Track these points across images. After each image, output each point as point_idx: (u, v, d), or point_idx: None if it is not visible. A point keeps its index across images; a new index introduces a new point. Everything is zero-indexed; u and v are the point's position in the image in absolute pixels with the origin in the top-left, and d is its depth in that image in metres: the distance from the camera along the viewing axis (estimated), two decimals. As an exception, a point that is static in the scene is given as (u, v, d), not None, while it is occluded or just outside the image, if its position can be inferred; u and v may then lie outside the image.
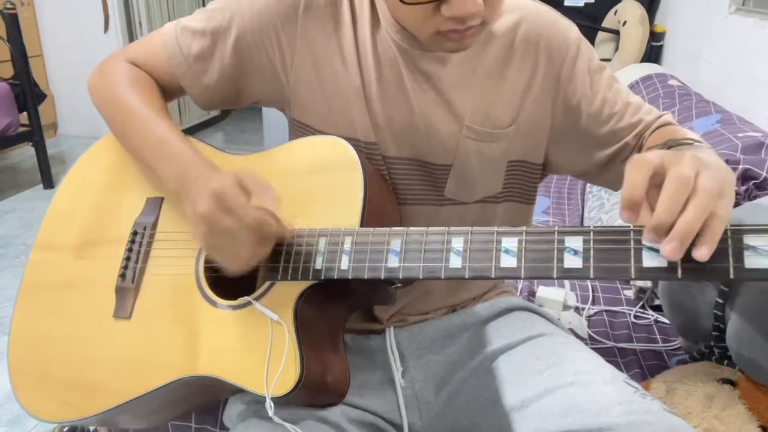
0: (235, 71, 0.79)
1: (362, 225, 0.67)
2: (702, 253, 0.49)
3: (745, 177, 1.24)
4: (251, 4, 0.77)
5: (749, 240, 0.50)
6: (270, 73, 0.79)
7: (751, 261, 0.49)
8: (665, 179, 0.50)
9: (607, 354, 1.10)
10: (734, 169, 1.28)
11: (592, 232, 0.55)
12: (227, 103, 0.84)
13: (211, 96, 0.82)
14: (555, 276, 0.55)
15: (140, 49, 0.83)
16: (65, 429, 1.18)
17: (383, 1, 0.72)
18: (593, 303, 1.29)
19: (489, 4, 0.63)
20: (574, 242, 0.56)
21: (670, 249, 0.49)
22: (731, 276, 0.49)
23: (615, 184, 0.84)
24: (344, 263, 0.65)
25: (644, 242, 0.53)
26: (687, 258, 0.50)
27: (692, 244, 0.49)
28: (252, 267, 0.64)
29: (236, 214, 0.60)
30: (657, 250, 0.52)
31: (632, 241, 0.54)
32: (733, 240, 0.50)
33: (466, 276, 0.60)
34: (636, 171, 0.51)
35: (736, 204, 1.21)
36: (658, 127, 0.78)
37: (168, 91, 0.83)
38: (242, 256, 0.62)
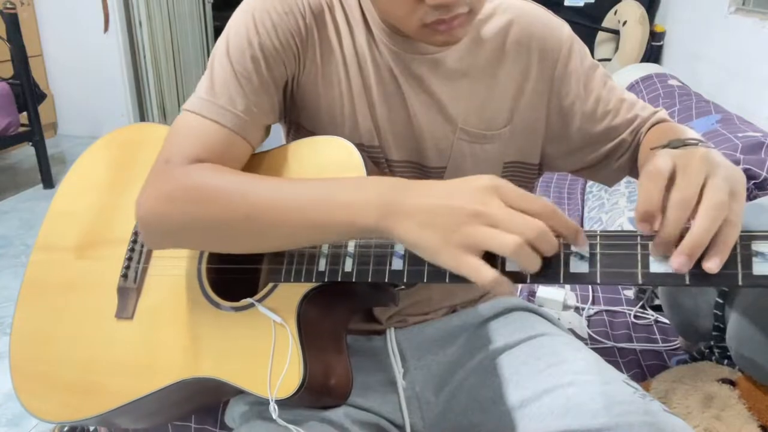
0: (268, 102, 0.73)
1: None
2: (711, 265, 0.48)
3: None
4: (261, 33, 0.71)
5: (757, 246, 0.49)
6: (282, 87, 0.75)
7: (760, 268, 0.49)
8: (672, 189, 0.50)
9: (607, 354, 1.11)
10: (734, 170, 1.28)
11: (599, 237, 0.54)
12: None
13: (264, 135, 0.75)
14: (561, 281, 0.54)
15: (186, 145, 0.68)
16: (65, 429, 1.18)
17: (370, 5, 0.71)
18: (593, 303, 1.29)
19: None
20: (581, 246, 0.55)
21: (678, 263, 0.48)
22: (740, 283, 0.49)
23: (611, 180, 0.83)
24: (348, 265, 0.64)
25: (651, 257, 0.52)
26: (696, 264, 0.49)
27: (704, 254, 0.48)
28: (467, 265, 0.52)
29: (514, 211, 0.51)
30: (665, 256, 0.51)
31: (639, 246, 0.53)
32: (741, 246, 0.49)
33: None
34: (650, 183, 0.50)
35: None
36: (654, 124, 0.78)
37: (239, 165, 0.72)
38: (471, 245, 0.51)
